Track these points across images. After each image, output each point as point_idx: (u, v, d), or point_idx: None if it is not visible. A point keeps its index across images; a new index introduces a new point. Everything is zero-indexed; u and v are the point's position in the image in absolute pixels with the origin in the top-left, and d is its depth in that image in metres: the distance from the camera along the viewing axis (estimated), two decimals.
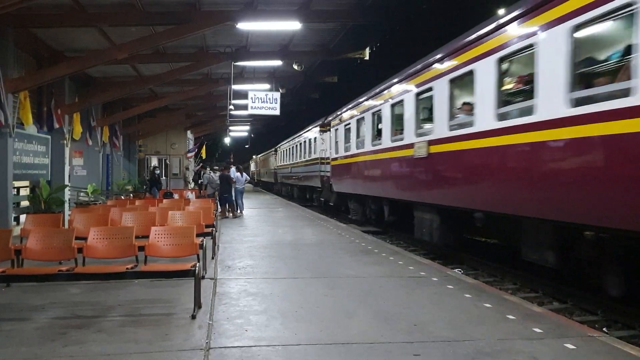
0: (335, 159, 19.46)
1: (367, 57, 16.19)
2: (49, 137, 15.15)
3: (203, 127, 35.96)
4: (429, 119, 11.09)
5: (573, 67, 6.62)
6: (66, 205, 14.64)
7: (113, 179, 23.57)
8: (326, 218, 18.35)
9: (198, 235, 7.45)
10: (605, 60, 6.60)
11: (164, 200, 14.73)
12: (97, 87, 19.64)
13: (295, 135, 31.27)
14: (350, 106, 17.65)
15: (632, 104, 5.64)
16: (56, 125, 14.83)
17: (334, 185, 19.68)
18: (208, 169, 22.78)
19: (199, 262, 6.54)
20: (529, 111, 7.46)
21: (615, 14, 6.02)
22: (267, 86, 19.46)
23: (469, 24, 9.78)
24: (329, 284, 7.34)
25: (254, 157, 76.72)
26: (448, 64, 10.03)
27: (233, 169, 20.72)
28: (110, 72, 18.77)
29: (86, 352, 4.61)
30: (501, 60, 8.21)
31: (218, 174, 20.51)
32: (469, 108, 9.39)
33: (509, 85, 8.35)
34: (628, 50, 6.04)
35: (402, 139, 12.27)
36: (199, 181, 25.52)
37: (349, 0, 12.51)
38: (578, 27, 6.51)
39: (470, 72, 9.00)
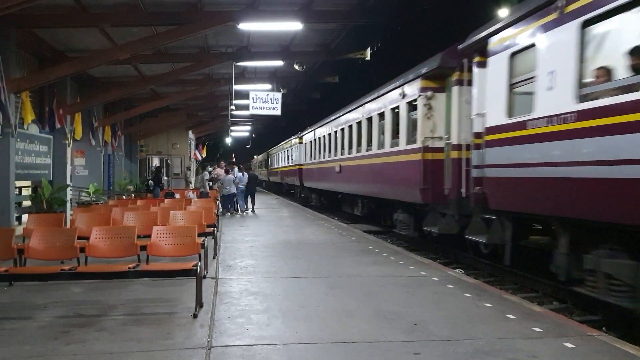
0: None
1: (368, 58, 16.21)
2: (51, 137, 15.17)
3: (204, 127, 35.92)
4: None
5: None
6: (68, 205, 14.67)
7: (114, 179, 23.60)
8: (327, 218, 18.39)
9: (199, 235, 7.48)
10: None
11: (166, 200, 14.76)
12: (99, 87, 19.67)
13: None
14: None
15: None
16: (58, 125, 14.86)
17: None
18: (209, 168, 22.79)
19: (200, 261, 6.59)
20: None
21: None
22: (268, 86, 19.48)
23: (469, 25, 9.78)
24: (330, 284, 7.37)
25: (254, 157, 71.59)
26: None
27: (236, 168, 20.78)
28: (111, 72, 18.78)
29: (88, 350, 4.64)
30: None
31: (205, 173, 20.55)
32: None
33: None
34: None
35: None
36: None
37: (350, 1, 12.52)
38: None
39: None
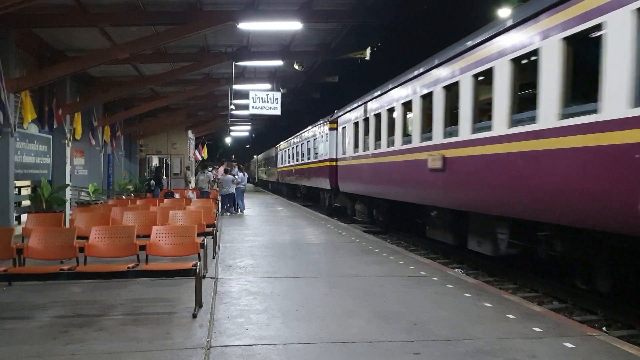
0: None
1: (367, 57, 16.21)
2: (51, 136, 15.18)
3: (204, 127, 35.97)
4: None
5: None
6: (67, 205, 14.67)
7: (114, 179, 23.61)
8: (327, 217, 18.38)
9: (199, 235, 7.46)
10: None
11: (165, 200, 14.76)
12: (99, 86, 19.69)
13: None
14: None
15: None
16: (55, 125, 14.86)
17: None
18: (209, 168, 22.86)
19: (199, 261, 6.56)
20: None
21: None
22: (268, 86, 19.50)
23: (469, 25, 9.75)
24: (329, 283, 7.36)
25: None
26: None
27: (236, 168, 20.80)
28: (111, 72, 18.80)
29: (87, 350, 4.63)
30: None
31: (208, 173, 20.60)
32: None
33: None
34: None
35: None
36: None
37: (350, 1, 12.53)
38: None
39: None
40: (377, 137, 14.85)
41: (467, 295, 6.69)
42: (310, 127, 25.97)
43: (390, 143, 13.70)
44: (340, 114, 19.91)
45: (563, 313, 7.07)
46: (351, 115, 18.14)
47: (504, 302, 6.37)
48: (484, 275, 9.95)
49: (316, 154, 23.91)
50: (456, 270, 9.78)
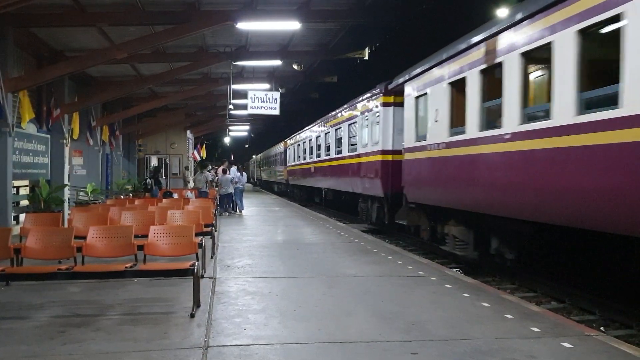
0: None
1: (366, 57, 16.19)
2: (49, 136, 15.15)
3: (203, 127, 35.92)
4: None
5: None
6: (65, 205, 14.65)
7: (112, 179, 23.59)
8: (326, 217, 18.38)
9: (197, 235, 7.47)
10: None
11: (164, 200, 14.75)
12: (97, 86, 19.66)
13: None
14: None
15: None
16: (51, 123, 14.84)
17: None
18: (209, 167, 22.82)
19: (197, 261, 6.57)
20: None
21: None
22: (266, 86, 19.46)
23: (469, 24, 9.69)
24: (327, 283, 7.36)
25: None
26: None
27: (234, 168, 20.78)
28: (109, 72, 18.77)
29: (85, 350, 4.63)
30: None
31: (206, 173, 20.57)
32: None
33: None
34: None
35: None
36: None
37: (349, 0, 12.52)
38: None
39: None
40: (524, 102, 7.68)
41: (466, 295, 6.69)
42: (344, 106, 18.89)
43: (587, 105, 6.35)
44: (414, 73, 11.86)
45: (561, 313, 7.08)
46: (443, 71, 10.28)
47: (502, 302, 6.37)
48: (482, 275, 9.94)
49: (354, 144, 17.23)
50: (454, 270, 9.76)
